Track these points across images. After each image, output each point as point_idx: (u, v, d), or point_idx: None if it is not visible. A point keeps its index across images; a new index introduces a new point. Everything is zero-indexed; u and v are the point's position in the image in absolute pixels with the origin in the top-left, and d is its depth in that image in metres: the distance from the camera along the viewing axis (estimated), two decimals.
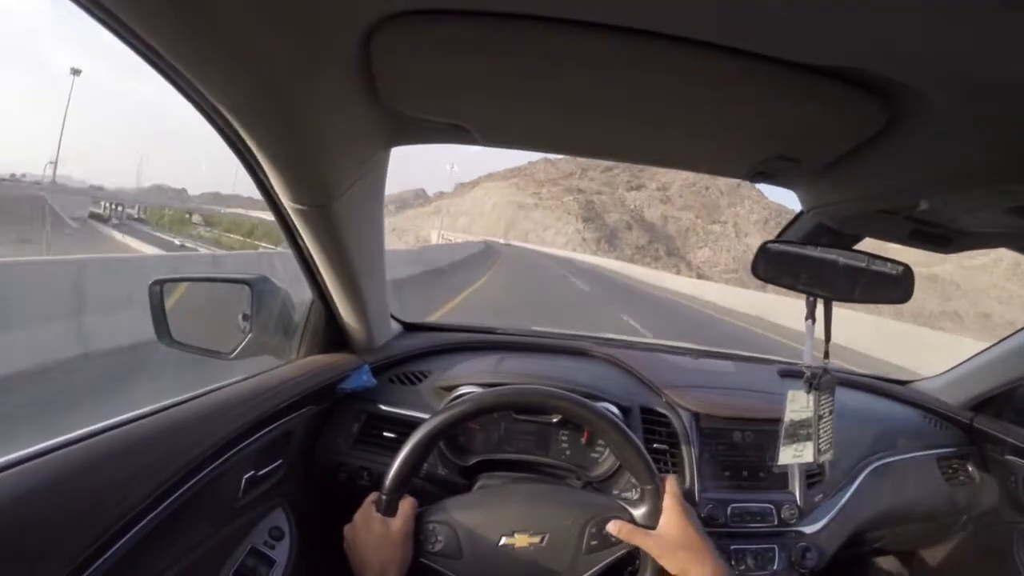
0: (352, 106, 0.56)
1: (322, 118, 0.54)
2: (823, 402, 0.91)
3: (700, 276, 72.30)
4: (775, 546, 0.93)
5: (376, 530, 0.69)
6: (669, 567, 0.67)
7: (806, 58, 0.42)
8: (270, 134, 0.55)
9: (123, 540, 0.50)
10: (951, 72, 0.41)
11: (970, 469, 1.23)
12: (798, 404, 0.90)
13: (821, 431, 0.91)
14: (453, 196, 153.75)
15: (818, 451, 0.91)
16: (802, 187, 0.77)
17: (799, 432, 0.91)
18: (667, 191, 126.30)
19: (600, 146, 0.71)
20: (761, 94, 0.49)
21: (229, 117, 0.52)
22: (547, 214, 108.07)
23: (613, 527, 0.70)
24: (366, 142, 0.66)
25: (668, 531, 0.68)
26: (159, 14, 0.39)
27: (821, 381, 0.90)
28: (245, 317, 0.92)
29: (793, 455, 0.91)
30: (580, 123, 0.62)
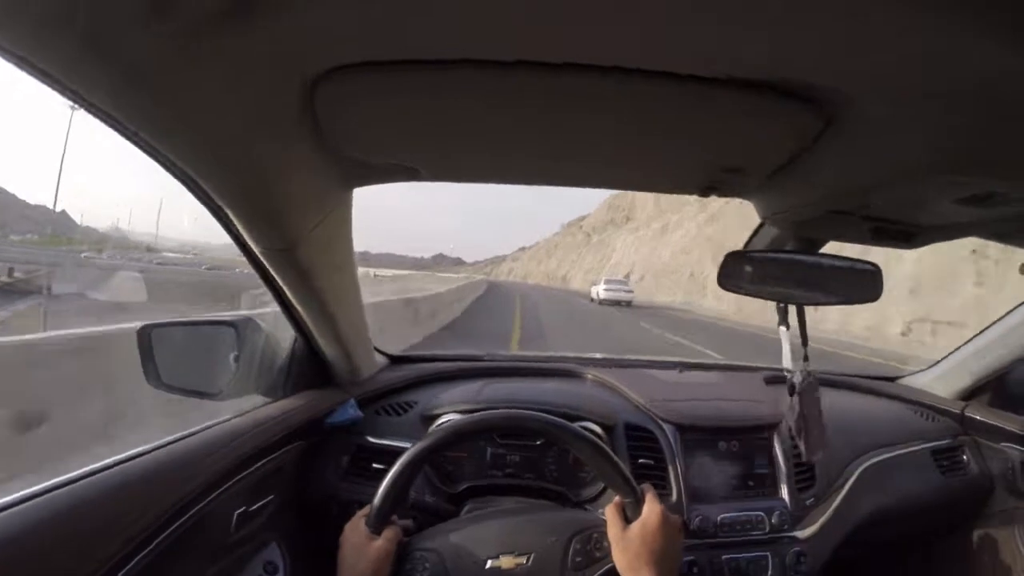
0: (304, 154, 0.58)
1: (276, 167, 0.57)
2: (808, 403, 0.91)
3: None
4: (768, 553, 0.93)
5: (358, 540, 0.70)
6: (617, 562, 0.68)
7: (738, 73, 0.44)
8: (228, 184, 0.58)
9: None
10: (877, 76, 0.42)
11: (965, 459, 1.23)
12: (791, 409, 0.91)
13: (809, 431, 0.92)
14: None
15: (809, 451, 0.92)
16: (754, 196, 0.79)
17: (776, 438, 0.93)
18: None
19: (549, 175, 0.73)
20: (700, 113, 0.51)
21: (188, 171, 0.55)
22: None
23: (609, 509, 0.71)
24: (323, 186, 0.68)
25: (634, 534, 0.69)
26: (107, 79, 0.41)
27: (804, 384, 0.90)
28: (231, 358, 0.94)
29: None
30: (527, 155, 0.64)
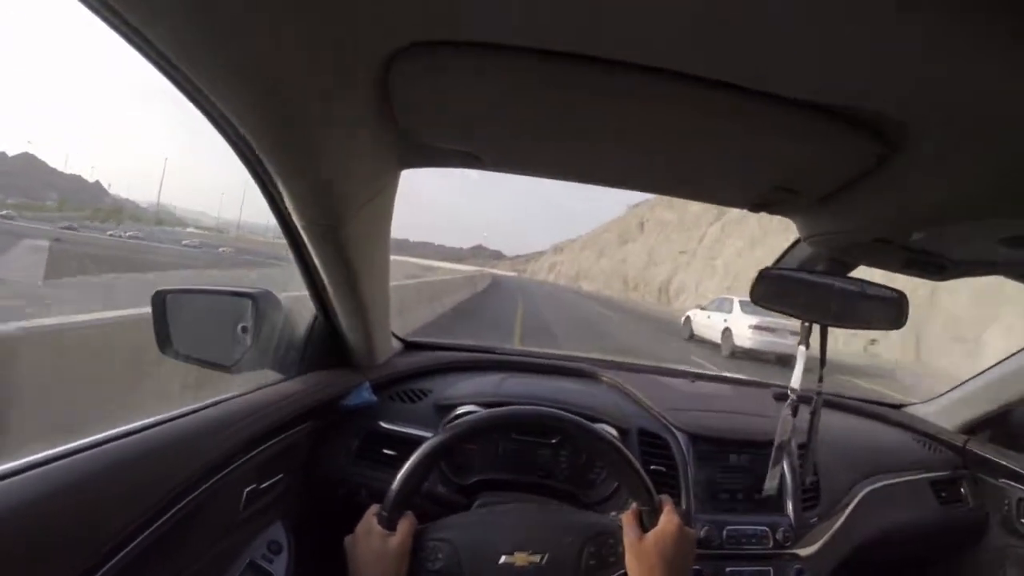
0: (368, 129, 0.57)
1: (338, 139, 0.56)
2: (816, 424, 0.91)
3: None
4: (770, 568, 0.93)
5: (375, 544, 0.68)
6: (630, 570, 0.68)
7: (805, 95, 0.45)
8: (286, 153, 0.57)
9: (124, 552, 0.50)
10: (943, 110, 0.42)
11: (963, 492, 1.24)
12: (786, 427, 0.91)
13: (811, 452, 0.92)
14: None
15: (804, 472, 0.93)
16: (800, 217, 0.79)
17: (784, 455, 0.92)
18: None
19: (606, 174, 0.73)
20: (763, 129, 0.51)
21: (247, 136, 0.54)
22: None
23: (627, 516, 0.71)
24: (379, 164, 0.67)
25: (650, 543, 0.68)
26: (178, 27, 0.39)
27: (814, 404, 0.91)
28: (244, 330, 0.92)
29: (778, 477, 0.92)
30: (587, 152, 0.64)
